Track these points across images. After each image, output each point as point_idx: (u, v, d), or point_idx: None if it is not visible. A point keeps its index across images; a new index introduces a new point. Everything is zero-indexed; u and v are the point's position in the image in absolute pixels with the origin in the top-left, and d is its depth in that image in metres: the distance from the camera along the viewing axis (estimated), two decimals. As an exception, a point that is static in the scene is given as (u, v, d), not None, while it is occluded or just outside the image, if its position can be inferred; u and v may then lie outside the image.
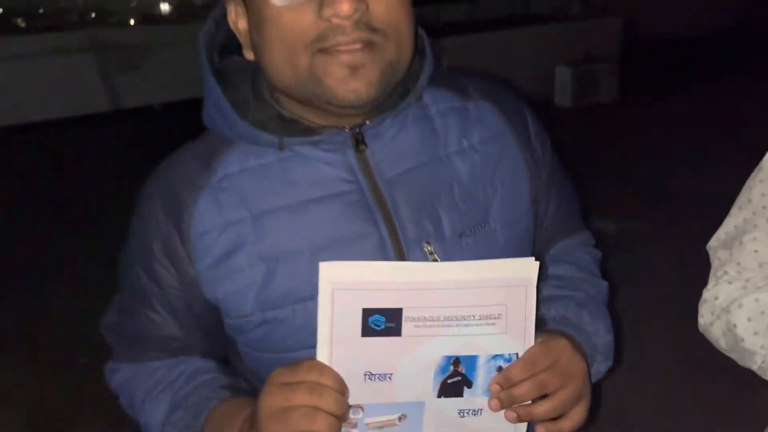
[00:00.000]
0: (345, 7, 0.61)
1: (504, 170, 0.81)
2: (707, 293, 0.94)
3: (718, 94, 7.15)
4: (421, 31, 0.78)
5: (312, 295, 0.69)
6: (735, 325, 0.87)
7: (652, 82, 7.87)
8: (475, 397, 0.67)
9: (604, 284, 0.92)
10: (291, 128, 0.74)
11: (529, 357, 0.65)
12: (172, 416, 0.77)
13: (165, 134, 6.66)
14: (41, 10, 7.56)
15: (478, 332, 0.65)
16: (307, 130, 0.74)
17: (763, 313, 0.85)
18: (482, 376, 0.66)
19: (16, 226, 4.27)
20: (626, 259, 3.30)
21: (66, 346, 2.86)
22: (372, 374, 0.64)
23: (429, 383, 0.66)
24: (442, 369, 0.66)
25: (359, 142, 0.74)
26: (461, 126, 0.80)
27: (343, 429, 0.65)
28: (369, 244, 0.73)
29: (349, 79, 0.66)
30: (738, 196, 0.94)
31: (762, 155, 0.91)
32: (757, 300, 0.85)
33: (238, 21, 0.75)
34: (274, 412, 0.60)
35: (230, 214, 0.74)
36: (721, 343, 0.91)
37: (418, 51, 0.77)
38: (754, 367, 0.87)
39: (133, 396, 0.83)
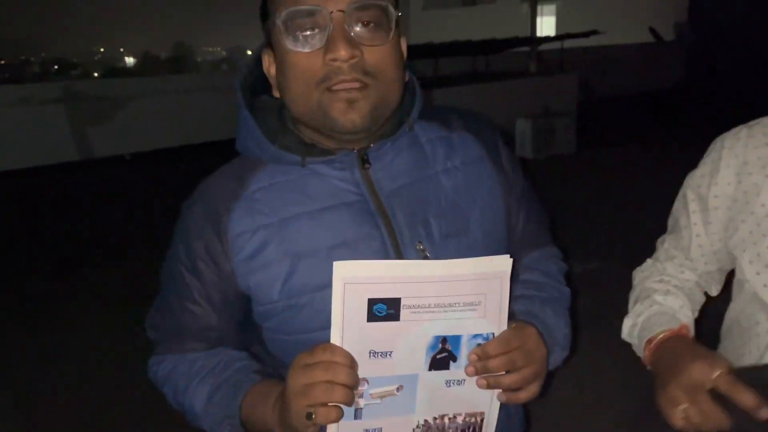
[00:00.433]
0: (342, 53, 0.77)
1: (482, 187, 0.95)
2: (634, 272, 1.17)
3: (667, 145, 7.56)
4: (413, 76, 0.96)
5: (327, 285, 0.82)
6: (628, 302, 1.10)
7: (607, 134, 8.31)
8: (459, 370, 0.79)
9: (567, 290, 1.04)
10: (310, 151, 0.89)
11: (504, 337, 0.77)
12: (214, 397, 0.88)
13: (135, 183, 6.72)
14: (2, 61, 7.58)
15: (461, 316, 0.76)
16: (323, 152, 0.88)
17: (636, 299, 1.07)
18: (465, 352, 0.79)
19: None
20: (591, 297, 3.49)
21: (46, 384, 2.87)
22: (375, 352, 0.75)
23: (421, 359, 0.77)
24: (432, 347, 0.77)
25: (364, 161, 0.89)
26: (446, 151, 0.95)
27: None
28: (373, 243, 0.87)
29: (347, 111, 0.81)
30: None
31: None
32: (641, 290, 1.08)
33: (270, 68, 0.90)
34: (299, 389, 0.71)
35: (261, 219, 0.87)
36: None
37: (409, 91, 0.94)
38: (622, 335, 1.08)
39: (177, 384, 0.93)
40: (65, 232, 5.12)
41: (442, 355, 0.78)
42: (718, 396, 0.78)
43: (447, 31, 17.56)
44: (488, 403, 0.82)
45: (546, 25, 19.60)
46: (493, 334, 0.78)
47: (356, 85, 0.80)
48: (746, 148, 0.97)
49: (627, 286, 1.17)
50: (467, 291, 0.76)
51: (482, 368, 0.77)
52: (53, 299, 3.82)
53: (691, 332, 0.99)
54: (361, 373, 0.75)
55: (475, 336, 0.78)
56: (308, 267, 0.86)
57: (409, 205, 0.89)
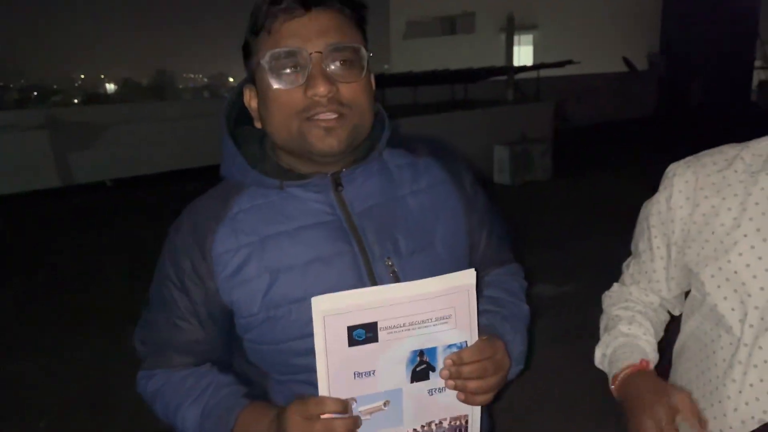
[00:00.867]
0: (322, 90, 0.86)
1: (445, 207, 1.03)
2: (602, 298, 1.24)
3: (639, 171, 7.74)
4: (381, 108, 1.05)
5: (303, 297, 0.91)
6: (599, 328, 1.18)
7: (582, 161, 8.51)
8: (439, 378, 0.86)
9: (526, 308, 1.11)
10: (288, 175, 0.96)
11: (478, 346, 0.85)
12: (206, 422, 0.93)
13: (116, 209, 6.70)
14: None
15: (435, 330, 0.82)
16: (299, 176, 0.96)
17: (606, 328, 1.14)
18: (442, 362, 0.85)
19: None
20: (565, 318, 3.58)
21: (27, 412, 2.85)
22: (359, 373, 0.80)
23: (403, 373, 0.83)
24: (411, 360, 0.82)
25: (338, 184, 0.96)
26: (412, 175, 1.03)
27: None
28: (346, 259, 0.93)
29: (325, 137, 0.89)
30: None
31: None
32: (609, 317, 1.16)
33: (251, 101, 0.98)
34: None
35: (243, 239, 0.94)
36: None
37: (379, 121, 1.03)
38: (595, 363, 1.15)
39: (168, 403, 0.98)
40: (45, 258, 5.10)
41: (422, 367, 0.84)
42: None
43: (427, 60, 17.85)
44: (470, 406, 0.89)
45: (523, 55, 20.04)
46: (466, 342, 0.85)
47: (334, 115, 0.89)
48: (697, 176, 1.04)
49: (600, 308, 1.24)
50: (438, 306, 0.82)
51: (456, 373, 0.84)
52: (34, 323, 3.81)
53: (654, 360, 1.07)
54: (348, 394, 0.81)
55: (450, 346, 0.85)
56: (286, 281, 0.93)
57: (379, 223, 0.97)
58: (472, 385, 0.85)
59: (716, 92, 15.93)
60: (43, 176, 7.16)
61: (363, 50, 0.91)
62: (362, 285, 0.92)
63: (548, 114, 8.87)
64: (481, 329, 0.88)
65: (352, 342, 0.79)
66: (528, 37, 20.77)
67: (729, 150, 1.05)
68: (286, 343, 0.94)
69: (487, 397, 0.88)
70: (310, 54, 0.87)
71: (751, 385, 0.93)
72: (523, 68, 10.92)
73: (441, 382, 0.86)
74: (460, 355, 0.84)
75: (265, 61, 0.89)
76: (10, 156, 6.92)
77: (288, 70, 0.88)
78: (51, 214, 6.68)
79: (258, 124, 0.98)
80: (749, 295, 0.94)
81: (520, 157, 7.36)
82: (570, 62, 10.77)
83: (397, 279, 0.94)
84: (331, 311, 0.77)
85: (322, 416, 0.79)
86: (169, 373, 0.99)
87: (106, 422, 2.74)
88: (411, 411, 0.86)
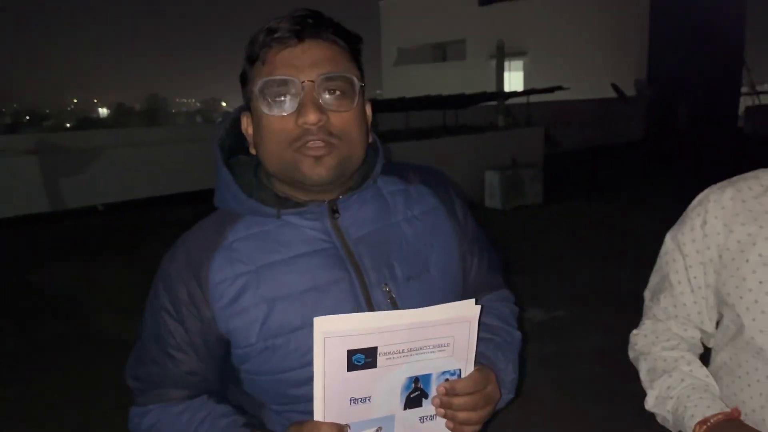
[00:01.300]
0: (312, 118, 0.87)
1: (438, 233, 1.04)
2: (633, 336, 1.16)
3: (628, 196, 7.84)
4: (376, 136, 1.06)
5: (301, 326, 0.91)
6: (639, 369, 1.12)
7: (572, 185, 8.56)
8: (431, 406, 0.86)
9: (518, 335, 1.11)
10: (284, 203, 0.96)
11: (472, 378, 0.86)
12: None
13: (108, 234, 6.66)
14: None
15: (431, 356, 0.82)
16: (295, 204, 0.96)
17: (655, 369, 1.09)
18: (435, 389, 0.85)
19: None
20: (556, 343, 3.57)
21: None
22: (355, 399, 0.80)
23: (397, 399, 0.83)
24: (406, 387, 0.83)
25: (334, 212, 0.96)
26: (406, 202, 1.04)
27: None
28: (343, 286, 0.93)
29: (315, 166, 0.90)
30: (658, 257, 1.17)
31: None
32: (655, 358, 1.09)
33: (248, 128, 0.98)
34: None
35: (240, 268, 0.93)
36: (640, 375, 1.13)
37: (373, 149, 1.05)
38: (647, 407, 1.08)
39: None
40: (36, 283, 5.06)
41: (415, 394, 0.84)
42: None
43: (418, 85, 18.02)
44: None
45: (513, 81, 20.30)
46: (460, 370, 0.86)
47: (323, 144, 0.90)
48: (734, 201, 1.01)
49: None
50: (438, 334, 0.82)
51: (447, 403, 0.85)
52: (23, 351, 3.76)
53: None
54: (343, 419, 0.81)
55: (444, 372, 0.85)
56: (283, 310, 0.93)
57: (375, 250, 0.97)
58: (462, 416, 0.86)
59: (703, 118, 16.17)
60: (34, 201, 7.12)
61: (355, 80, 0.92)
62: (360, 311, 0.92)
63: (538, 139, 8.98)
64: (474, 357, 0.88)
65: (351, 366, 0.79)
66: (518, 63, 21.05)
67: (764, 175, 1.03)
68: (285, 373, 0.93)
69: (475, 428, 0.89)
70: (303, 83, 0.88)
71: None
72: (514, 94, 11.05)
73: (432, 410, 0.86)
74: (453, 386, 0.85)
75: (258, 88, 0.90)
76: (1, 180, 6.88)
77: (280, 98, 0.90)
78: (41, 238, 6.64)
79: (253, 151, 0.99)
80: None
81: (510, 181, 7.41)
82: (560, 88, 10.91)
83: (394, 305, 0.95)
84: (333, 333, 0.77)
85: None
86: (165, 408, 0.98)
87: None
88: None
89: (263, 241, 0.96)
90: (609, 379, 2.98)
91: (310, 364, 0.79)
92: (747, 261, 0.97)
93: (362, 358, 0.79)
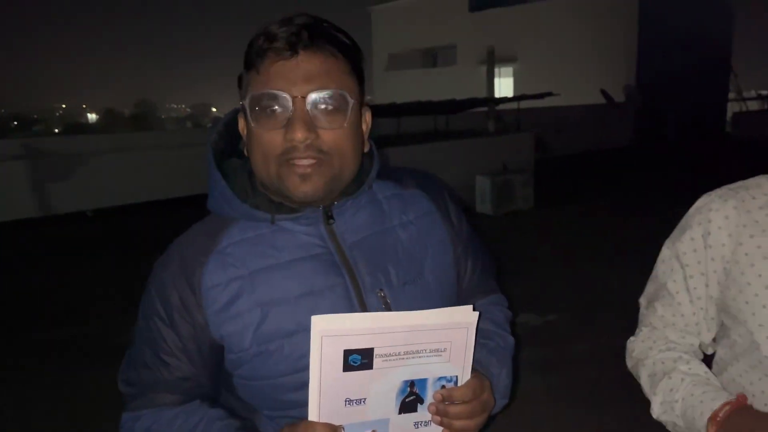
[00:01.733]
0: (298, 135, 0.86)
1: (433, 237, 1.03)
2: (630, 343, 1.14)
3: (620, 202, 7.89)
4: (372, 142, 1.05)
5: (295, 331, 0.90)
6: (639, 377, 1.10)
7: (563, 190, 8.60)
8: (426, 412, 0.85)
9: (511, 339, 1.10)
10: (279, 208, 0.95)
11: (469, 386, 0.85)
12: None
13: (97, 239, 6.61)
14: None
15: (428, 361, 0.81)
16: (290, 210, 0.95)
17: (655, 374, 1.06)
18: (431, 394, 0.85)
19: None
20: (549, 348, 3.57)
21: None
22: (350, 400, 0.80)
23: (392, 403, 0.82)
24: (402, 391, 0.82)
25: (329, 217, 0.96)
26: (401, 206, 1.03)
27: None
28: (338, 291, 0.93)
29: (301, 184, 0.89)
30: (655, 265, 1.14)
31: (659, 249, 1.13)
32: (653, 362, 1.07)
33: (243, 129, 0.97)
34: None
35: (233, 272, 0.92)
36: (641, 383, 1.11)
37: (369, 155, 1.04)
38: (653, 415, 1.06)
39: None
40: (24, 289, 5.00)
41: (411, 399, 0.84)
42: None
43: (409, 91, 18.09)
44: None
45: (504, 87, 20.43)
46: (457, 377, 0.85)
47: (310, 162, 0.89)
48: (737, 211, 0.97)
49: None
50: (435, 339, 0.81)
51: (443, 410, 0.84)
52: (12, 356, 3.72)
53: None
54: (337, 421, 0.80)
55: (440, 378, 0.84)
56: (278, 315, 0.92)
57: (370, 255, 0.97)
58: (458, 424, 0.86)
59: (691, 124, 16.34)
60: (22, 206, 7.05)
61: (348, 97, 0.90)
62: None
63: (529, 144, 8.99)
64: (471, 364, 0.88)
65: (347, 367, 0.78)
66: (508, 70, 21.18)
67: (766, 183, 1.00)
68: (279, 378, 0.92)
69: None
70: (294, 98, 0.87)
71: None
72: (504, 99, 11.12)
73: (428, 416, 0.85)
74: (450, 393, 0.84)
75: (249, 100, 0.89)
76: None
77: (270, 112, 0.88)
78: (29, 244, 6.58)
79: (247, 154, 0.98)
80: None
81: (501, 187, 7.42)
82: (550, 94, 11.00)
83: (389, 310, 0.94)
84: (330, 332, 0.76)
85: None
86: (157, 414, 0.96)
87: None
88: None
89: (257, 245, 0.95)
90: (602, 384, 2.99)
91: (304, 369, 0.78)
92: (760, 276, 0.94)
93: (358, 359, 0.78)
